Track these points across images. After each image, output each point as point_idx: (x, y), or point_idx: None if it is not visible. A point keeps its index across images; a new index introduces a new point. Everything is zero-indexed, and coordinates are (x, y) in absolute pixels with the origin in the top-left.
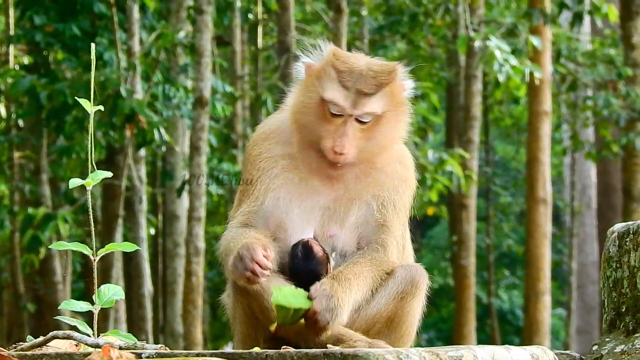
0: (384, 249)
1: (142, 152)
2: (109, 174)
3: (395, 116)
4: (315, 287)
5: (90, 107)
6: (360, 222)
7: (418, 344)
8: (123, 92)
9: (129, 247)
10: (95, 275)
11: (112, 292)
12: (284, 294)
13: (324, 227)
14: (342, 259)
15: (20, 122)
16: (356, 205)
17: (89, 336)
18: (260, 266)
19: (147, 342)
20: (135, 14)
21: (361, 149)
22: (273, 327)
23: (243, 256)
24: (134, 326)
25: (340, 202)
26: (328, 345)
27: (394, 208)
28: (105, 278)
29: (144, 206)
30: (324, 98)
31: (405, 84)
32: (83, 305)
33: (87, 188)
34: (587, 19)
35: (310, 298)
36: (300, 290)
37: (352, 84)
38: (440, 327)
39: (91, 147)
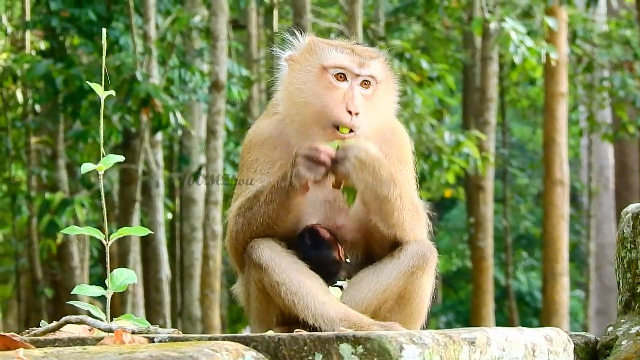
0: (402, 222)
1: (159, 136)
2: (121, 158)
3: (388, 89)
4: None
5: (101, 91)
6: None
7: (436, 327)
8: (139, 77)
9: (142, 232)
10: (108, 259)
11: (125, 277)
12: None
13: (329, 218)
14: (355, 256)
15: (37, 108)
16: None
17: (102, 321)
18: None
19: (164, 327)
20: None
21: (366, 119)
22: None
23: (311, 154)
24: (152, 310)
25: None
26: (341, 328)
27: (397, 190)
28: (123, 263)
29: (161, 190)
30: (326, 66)
31: (387, 67)
32: (96, 290)
33: (99, 172)
34: (602, 0)
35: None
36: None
37: (352, 49)
38: (459, 309)
39: (102, 131)
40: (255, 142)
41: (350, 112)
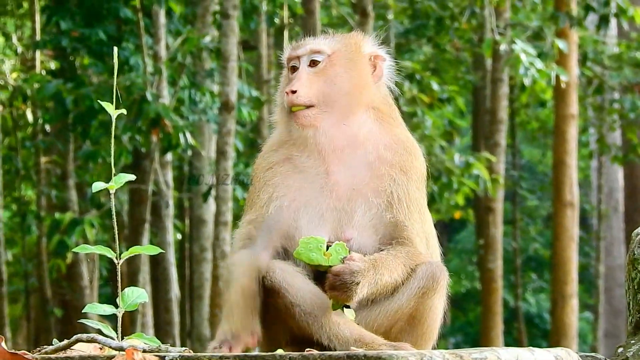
0: (411, 242)
1: (169, 156)
2: (132, 177)
3: (352, 62)
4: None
5: (112, 110)
6: (374, 223)
7: (445, 348)
8: (149, 97)
9: (153, 250)
10: (119, 278)
11: (136, 295)
12: (309, 246)
13: (338, 231)
14: None
15: (47, 127)
16: (364, 203)
17: (113, 339)
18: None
19: (174, 347)
20: (162, 18)
21: (321, 92)
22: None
23: (226, 341)
24: (161, 331)
25: (347, 199)
26: (351, 348)
27: (403, 204)
28: (132, 282)
29: (171, 211)
30: (284, 65)
31: (366, 45)
32: (107, 309)
33: (110, 192)
34: (613, 22)
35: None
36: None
37: (298, 41)
38: (468, 331)
39: (113, 150)
40: (262, 151)
41: (287, 93)
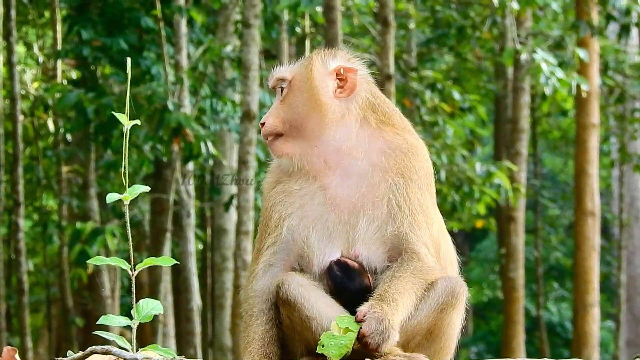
0: (417, 256)
1: (190, 166)
2: (147, 189)
3: (308, 83)
4: (364, 310)
5: (126, 121)
6: (379, 236)
7: (467, 357)
8: (170, 106)
9: (168, 262)
10: (133, 289)
11: (151, 307)
12: (330, 338)
13: (347, 246)
14: (374, 276)
15: (68, 137)
16: (365, 216)
17: (128, 351)
18: None
19: (195, 357)
20: (183, 28)
21: (286, 120)
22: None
23: None
24: (183, 340)
25: (349, 212)
26: (366, 359)
27: (405, 210)
28: (154, 292)
29: (192, 220)
30: None
31: (330, 61)
32: (121, 320)
33: (125, 202)
34: (634, 31)
35: (358, 321)
36: (346, 318)
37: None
38: (489, 339)
39: (126, 159)
40: (269, 171)
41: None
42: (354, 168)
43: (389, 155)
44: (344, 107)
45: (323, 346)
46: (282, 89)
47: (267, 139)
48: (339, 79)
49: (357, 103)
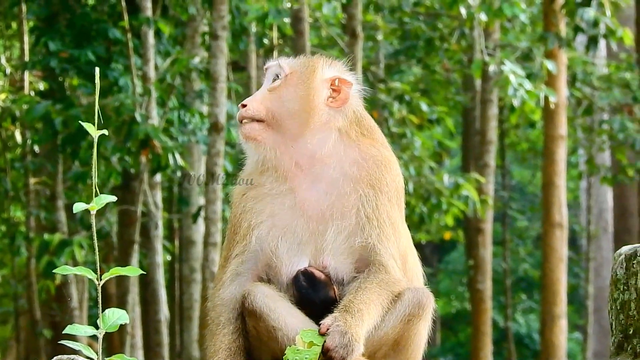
0: (385, 268)
1: (158, 177)
2: (114, 198)
3: (305, 84)
4: (328, 323)
5: (94, 131)
6: (347, 247)
7: None
8: (138, 118)
9: (134, 272)
10: (100, 299)
11: (116, 317)
12: (295, 353)
13: (316, 257)
14: (341, 287)
15: (36, 148)
16: (333, 226)
17: None
18: None
19: None
20: (151, 39)
21: (271, 110)
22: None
23: None
24: (151, 352)
25: (317, 220)
26: None
27: (374, 222)
28: (122, 304)
29: (160, 232)
30: None
31: (328, 69)
32: (88, 330)
33: (91, 212)
34: (602, 43)
35: (322, 333)
36: (310, 331)
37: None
38: (458, 351)
39: (95, 170)
40: (239, 178)
41: (239, 106)
42: (324, 175)
43: (361, 165)
44: (330, 116)
45: None
46: (276, 78)
47: (241, 121)
48: (332, 88)
49: (345, 115)
